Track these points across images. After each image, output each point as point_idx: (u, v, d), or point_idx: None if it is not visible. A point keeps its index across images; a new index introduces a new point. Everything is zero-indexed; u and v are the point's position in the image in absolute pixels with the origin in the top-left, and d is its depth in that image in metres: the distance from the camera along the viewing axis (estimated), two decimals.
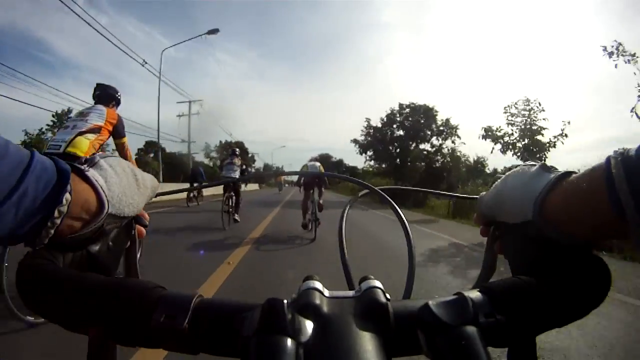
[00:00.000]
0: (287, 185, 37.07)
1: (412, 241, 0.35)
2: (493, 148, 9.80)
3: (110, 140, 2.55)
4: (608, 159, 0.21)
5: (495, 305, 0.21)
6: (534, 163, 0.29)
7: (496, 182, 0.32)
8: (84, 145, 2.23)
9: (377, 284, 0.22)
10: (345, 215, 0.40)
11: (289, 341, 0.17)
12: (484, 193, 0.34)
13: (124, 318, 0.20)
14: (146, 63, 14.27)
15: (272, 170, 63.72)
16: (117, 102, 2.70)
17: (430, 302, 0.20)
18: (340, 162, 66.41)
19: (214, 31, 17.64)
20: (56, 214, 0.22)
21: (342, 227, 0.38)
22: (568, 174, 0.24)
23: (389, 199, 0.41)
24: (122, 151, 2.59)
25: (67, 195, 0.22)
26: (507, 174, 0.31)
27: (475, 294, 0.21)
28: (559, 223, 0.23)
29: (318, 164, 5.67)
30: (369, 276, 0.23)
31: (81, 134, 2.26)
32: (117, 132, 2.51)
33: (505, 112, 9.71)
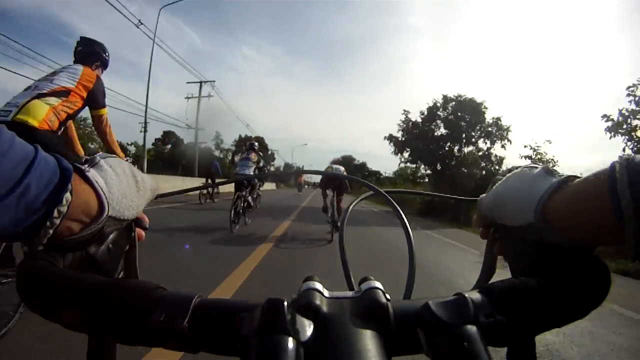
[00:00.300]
0: (307, 186, 34.25)
1: (413, 242, 0.34)
2: (626, 146, 6.36)
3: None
4: (613, 164, 0.21)
5: (495, 305, 0.21)
6: (536, 165, 0.28)
7: (496, 184, 0.31)
8: (40, 112, 1.63)
9: (377, 284, 0.22)
10: (346, 217, 0.40)
11: (290, 340, 0.17)
12: (484, 195, 0.33)
13: (124, 318, 0.21)
14: (141, 24, 12.48)
15: (293, 169, 58.17)
16: (104, 64, 2.10)
17: (430, 302, 0.20)
18: (362, 166, 64.63)
19: None
20: (55, 213, 0.22)
21: (342, 228, 0.38)
22: (571, 178, 0.24)
23: (392, 200, 0.40)
24: (100, 126, 2.02)
25: (68, 195, 0.22)
26: (507, 175, 0.30)
27: (475, 295, 0.21)
28: (561, 227, 0.23)
29: (342, 168, 5.80)
30: (369, 277, 0.23)
31: (41, 96, 1.67)
32: (95, 99, 1.91)
33: (629, 95, 6.23)
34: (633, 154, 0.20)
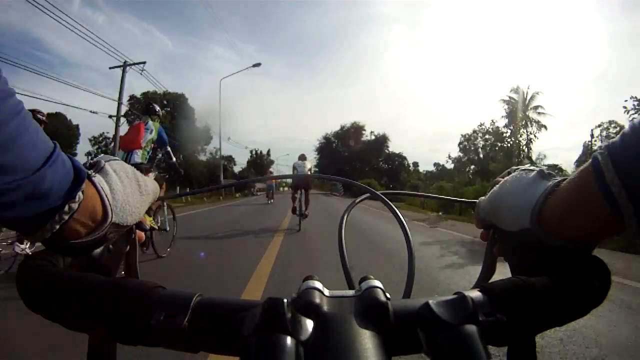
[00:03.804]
0: (285, 188, 22.57)
1: (412, 242, 0.35)
2: None
3: None
4: (595, 155, 0.21)
5: (495, 305, 0.21)
6: (532, 168, 0.28)
7: (494, 188, 0.32)
8: None
9: (377, 283, 0.22)
10: (345, 218, 0.40)
11: (289, 339, 0.17)
12: (482, 198, 0.34)
13: (124, 317, 0.21)
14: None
15: (255, 162, 41.48)
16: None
17: (430, 301, 0.20)
18: (382, 141, 38.29)
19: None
20: (66, 209, 0.22)
21: (341, 228, 0.38)
22: (564, 180, 0.24)
23: (388, 202, 0.40)
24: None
25: (80, 194, 0.23)
26: (504, 179, 0.31)
27: (475, 294, 0.22)
28: (557, 229, 0.23)
29: (308, 165, 6.11)
30: (368, 276, 0.23)
31: None
32: None
33: None
34: (609, 142, 0.21)
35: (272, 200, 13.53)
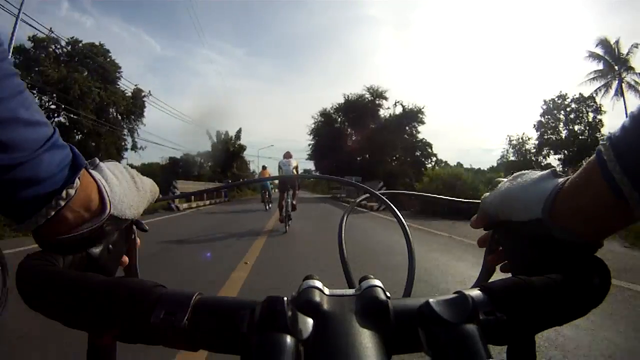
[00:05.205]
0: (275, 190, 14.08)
1: (412, 241, 0.35)
2: None
3: None
4: (598, 147, 0.21)
5: (495, 304, 0.21)
6: (541, 173, 0.29)
7: (500, 184, 0.32)
8: None
9: (377, 282, 0.22)
10: (345, 219, 0.41)
11: (289, 338, 0.17)
12: (487, 194, 0.34)
13: (124, 315, 0.21)
14: None
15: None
16: None
17: (430, 300, 0.20)
18: (414, 117, 23.81)
19: None
20: (64, 194, 0.22)
21: (341, 228, 0.39)
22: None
23: (388, 202, 0.41)
24: None
25: (77, 181, 0.23)
26: (514, 174, 0.31)
27: (475, 292, 0.22)
28: (567, 221, 0.24)
29: (294, 163, 5.79)
30: (368, 275, 0.23)
31: None
32: None
33: None
34: (612, 133, 0.21)
35: (270, 205, 9.58)
